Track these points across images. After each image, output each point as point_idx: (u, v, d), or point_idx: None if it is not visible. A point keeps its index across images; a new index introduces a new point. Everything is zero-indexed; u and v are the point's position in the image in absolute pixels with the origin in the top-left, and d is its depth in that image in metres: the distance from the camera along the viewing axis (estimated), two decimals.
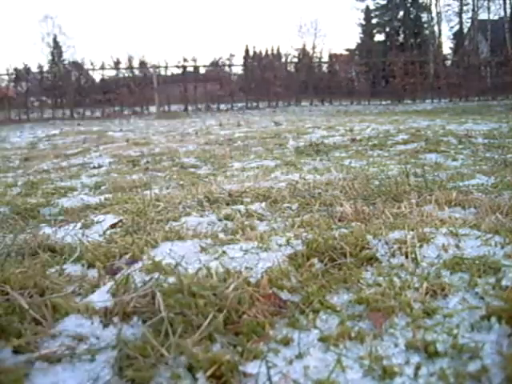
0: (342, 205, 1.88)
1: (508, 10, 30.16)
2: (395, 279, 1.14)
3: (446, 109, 11.79)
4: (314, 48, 37.18)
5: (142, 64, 16.49)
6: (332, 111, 12.93)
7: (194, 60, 16.03)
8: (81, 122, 12.66)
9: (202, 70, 16.96)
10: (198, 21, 69.55)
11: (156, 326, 0.93)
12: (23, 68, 15.94)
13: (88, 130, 8.79)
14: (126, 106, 15.47)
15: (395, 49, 24.94)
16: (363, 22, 38.53)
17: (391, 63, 17.16)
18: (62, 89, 15.79)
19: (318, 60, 23.95)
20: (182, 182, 2.93)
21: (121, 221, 1.84)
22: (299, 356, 0.86)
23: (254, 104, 16.06)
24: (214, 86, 16.19)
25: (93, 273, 1.29)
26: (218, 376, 0.80)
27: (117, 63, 16.29)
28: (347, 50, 34.97)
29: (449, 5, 34.63)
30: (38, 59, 51.48)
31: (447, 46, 40.40)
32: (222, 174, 3.22)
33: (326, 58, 23.56)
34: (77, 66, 16.82)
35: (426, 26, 35.14)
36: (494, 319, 0.92)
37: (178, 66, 16.07)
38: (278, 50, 31.45)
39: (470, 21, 32.76)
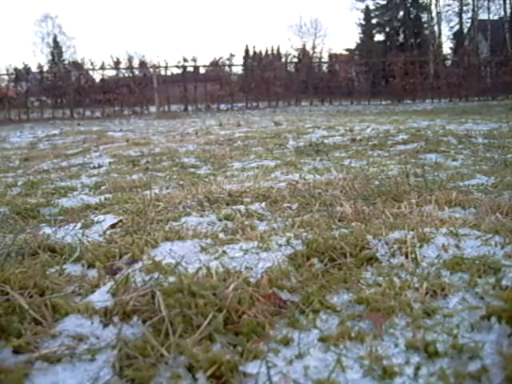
0: (341, 205, 1.88)
1: (508, 10, 30.25)
2: (395, 279, 1.14)
3: (446, 109, 11.78)
4: (314, 48, 37.30)
5: (142, 64, 16.49)
6: (332, 111, 12.93)
7: (194, 60, 16.04)
8: (81, 122, 12.65)
9: (202, 70, 16.98)
10: (198, 21, 69.65)
11: (156, 326, 0.93)
12: (23, 68, 15.98)
13: (88, 129, 8.78)
14: (126, 106, 15.47)
15: (395, 49, 24.99)
16: (363, 22, 38.54)
17: (391, 63, 17.15)
18: (61, 89, 15.79)
19: (318, 60, 23.99)
20: (181, 182, 2.93)
21: (121, 221, 1.84)
22: (299, 356, 0.86)
23: (254, 104, 16.07)
24: (214, 86, 16.19)
25: (93, 273, 1.29)
26: (218, 376, 0.80)
27: (117, 63, 16.28)
28: (347, 49, 35.01)
29: (449, 5, 34.67)
30: (38, 59, 51.49)
31: (447, 46, 40.36)
32: (221, 174, 3.22)
33: (325, 58, 23.66)
34: (77, 65, 16.78)
35: (425, 26, 35.14)
36: (494, 319, 0.92)
37: (177, 66, 16.08)
38: (278, 49, 31.59)
39: (470, 21, 32.80)
